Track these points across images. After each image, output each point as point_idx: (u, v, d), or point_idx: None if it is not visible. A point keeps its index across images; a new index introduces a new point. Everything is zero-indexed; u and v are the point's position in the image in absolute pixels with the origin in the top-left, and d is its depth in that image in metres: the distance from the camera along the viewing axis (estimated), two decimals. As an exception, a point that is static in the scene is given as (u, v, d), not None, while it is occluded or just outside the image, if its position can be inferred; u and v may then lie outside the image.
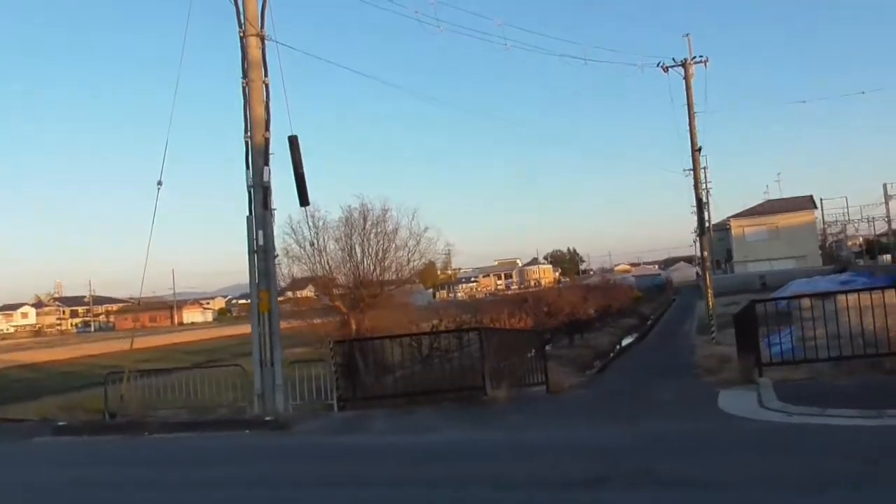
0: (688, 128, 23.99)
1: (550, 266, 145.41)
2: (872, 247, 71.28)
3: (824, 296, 12.72)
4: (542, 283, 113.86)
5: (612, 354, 28.80)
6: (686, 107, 23.41)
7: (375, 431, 10.20)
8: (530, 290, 42.95)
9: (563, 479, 6.05)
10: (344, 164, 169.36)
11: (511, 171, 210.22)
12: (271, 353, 12.15)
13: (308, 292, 22.44)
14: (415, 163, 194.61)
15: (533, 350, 16.27)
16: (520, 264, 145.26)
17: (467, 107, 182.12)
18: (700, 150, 23.88)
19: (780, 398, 8.80)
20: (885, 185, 58.57)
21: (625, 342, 33.50)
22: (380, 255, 18.82)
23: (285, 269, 18.02)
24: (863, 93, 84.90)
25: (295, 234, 18.60)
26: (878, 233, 70.39)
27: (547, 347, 19.91)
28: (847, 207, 69.74)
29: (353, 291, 18.60)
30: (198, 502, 6.65)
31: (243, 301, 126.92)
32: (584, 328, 32.14)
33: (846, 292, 12.51)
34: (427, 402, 11.98)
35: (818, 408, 7.93)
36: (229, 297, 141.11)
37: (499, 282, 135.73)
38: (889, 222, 61.51)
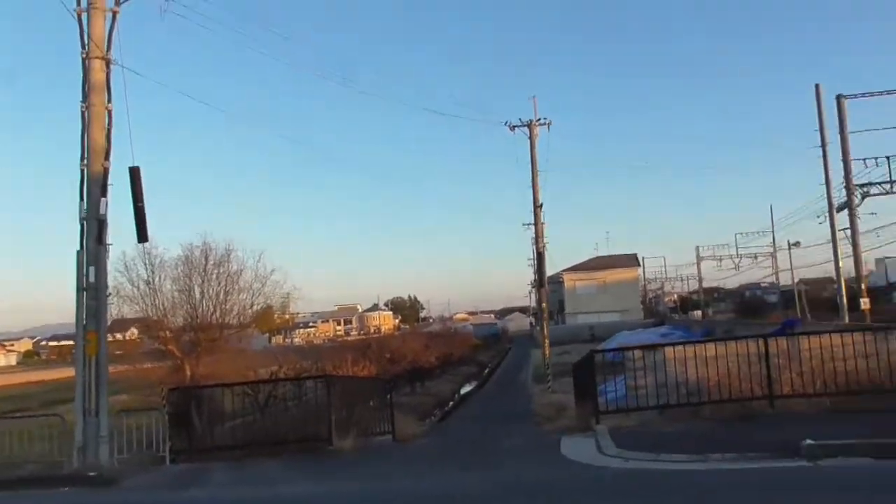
0: (530, 184, 25.42)
1: (391, 312, 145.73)
2: (686, 303, 78.98)
3: (653, 347, 13.74)
4: (383, 329, 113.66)
5: (453, 402, 29.19)
6: (530, 164, 24.84)
7: (213, 485, 9.56)
8: (372, 336, 42.70)
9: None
10: (187, 202, 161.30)
11: (354, 217, 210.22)
12: (97, 400, 11.11)
13: (132, 334, 20.93)
14: (256, 202, 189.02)
15: (378, 398, 16.12)
16: (360, 310, 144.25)
17: (318, 148, 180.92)
18: (541, 206, 25.29)
19: (617, 445, 9.35)
20: (697, 248, 65.35)
21: (465, 390, 34.12)
22: (221, 296, 18.04)
23: (114, 309, 16.77)
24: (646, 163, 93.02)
25: (128, 271, 17.42)
26: (690, 290, 78.15)
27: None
28: (665, 266, 76.97)
29: (190, 335, 17.60)
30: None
31: (54, 343, 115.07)
32: (425, 376, 32.37)
33: (672, 344, 13.59)
34: (269, 454, 11.46)
35: (651, 454, 8.52)
36: (37, 338, 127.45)
37: (338, 327, 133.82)
38: (700, 281, 68.59)
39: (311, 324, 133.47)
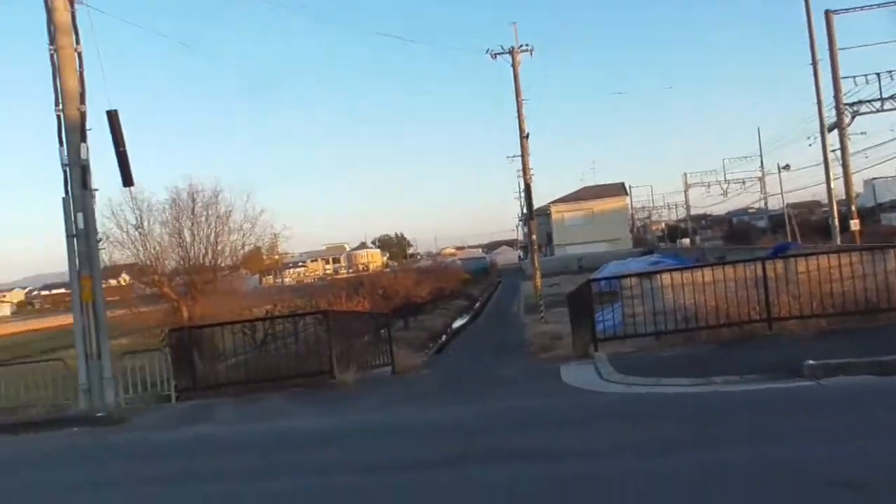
0: (516, 115, 25.02)
1: (379, 250, 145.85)
2: (673, 231, 79.36)
3: (648, 275, 13.82)
4: (371, 267, 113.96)
5: (447, 335, 29.53)
6: (514, 94, 24.36)
7: (221, 421, 9.65)
8: (364, 273, 42.86)
9: (424, 458, 6.08)
10: (171, 144, 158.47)
11: (340, 154, 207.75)
12: (98, 344, 11.10)
13: (123, 280, 20.82)
14: (237, 144, 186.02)
15: (375, 332, 16.24)
16: (348, 249, 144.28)
17: (300, 87, 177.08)
18: (528, 136, 24.97)
19: (618, 371, 9.46)
20: (685, 175, 65.30)
21: (458, 323, 34.47)
22: (212, 238, 17.89)
23: (105, 255, 16.58)
24: (670, 87, 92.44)
25: (116, 217, 17.19)
26: (677, 218, 78.48)
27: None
28: (652, 195, 77.06)
29: (184, 277, 17.51)
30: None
31: (46, 292, 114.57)
32: (418, 310, 32.66)
33: (668, 271, 13.65)
34: (271, 389, 11.57)
35: (653, 378, 8.63)
36: (29, 288, 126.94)
37: (327, 266, 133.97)
38: (688, 209, 68.79)
39: (300, 263, 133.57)
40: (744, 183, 60.39)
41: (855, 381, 7.61)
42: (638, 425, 6.45)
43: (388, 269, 65.84)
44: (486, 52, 24.63)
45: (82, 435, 9.53)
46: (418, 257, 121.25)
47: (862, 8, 26.80)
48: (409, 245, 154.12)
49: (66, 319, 19.02)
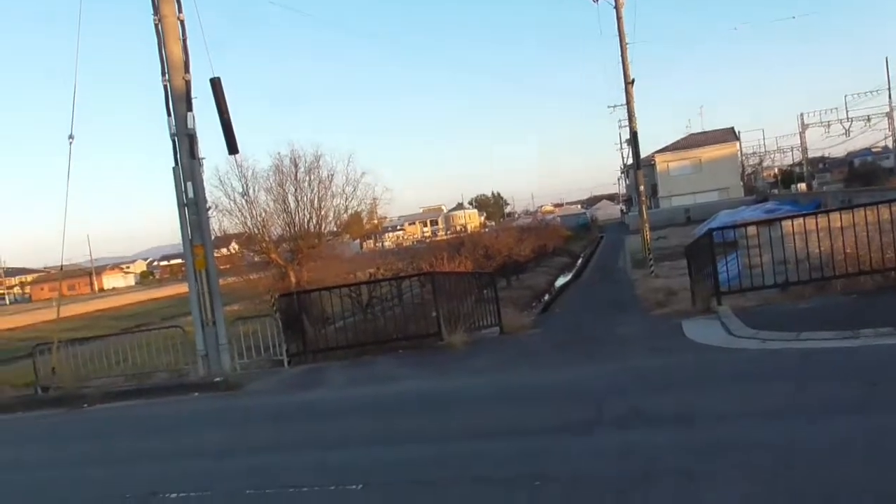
0: (619, 61, 23.73)
1: (476, 210, 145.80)
2: (788, 177, 74.48)
3: (769, 222, 12.82)
4: (469, 227, 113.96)
5: (552, 293, 28.98)
6: (618, 38, 23.08)
7: (335, 385, 9.66)
8: (463, 234, 42.70)
9: (551, 424, 5.71)
10: (270, 110, 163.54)
11: (432, 116, 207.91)
12: (212, 311, 11.42)
13: (233, 249, 21.47)
14: (338, 108, 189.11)
15: (479, 292, 15.98)
16: (445, 210, 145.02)
17: (399, 46, 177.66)
18: (633, 82, 23.68)
19: (748, 325, 8.73)
20: (800, 115, 60.89)
21: (562, 281, 33.82)
22: (315, 203, 18.03)
23: (215, 223, 17.08)
24: (793, 17, 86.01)
25: (223, 185, 17.58)
26: (791, 163, 73.54)
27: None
28: (763, 139, 72.38)
29: (290, 243, 17.81)
30: (171, 474, 5.97)
31: (165, 263, 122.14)
32: (520, 269, 32.20)
33: (791, 217, 12.60)
34: (379, 352, 11.57)
35: (791, 332, 7.86)
36: (150, 259, 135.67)
37: (424, 228, 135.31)
38: (804, 151, 64.22)
39: (398, 227, 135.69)
40: (868, 120, 55.69)
41: None
42: (787, 385, 5.78)
43: (486, 229, 65.65)
44: (589, -7, 23.44)
45: (203, 401, 9.79)
46: (516, 216, 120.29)
47: None
48: (507, 204, 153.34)
49: (183, 288, 19.88)
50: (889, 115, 53.84)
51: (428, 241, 73.89)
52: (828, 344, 7.04)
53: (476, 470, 4.79)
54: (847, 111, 55.90)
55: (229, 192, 17.60)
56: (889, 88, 52.37)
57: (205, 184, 12.11)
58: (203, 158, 11.80)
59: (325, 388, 9.59)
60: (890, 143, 58.86)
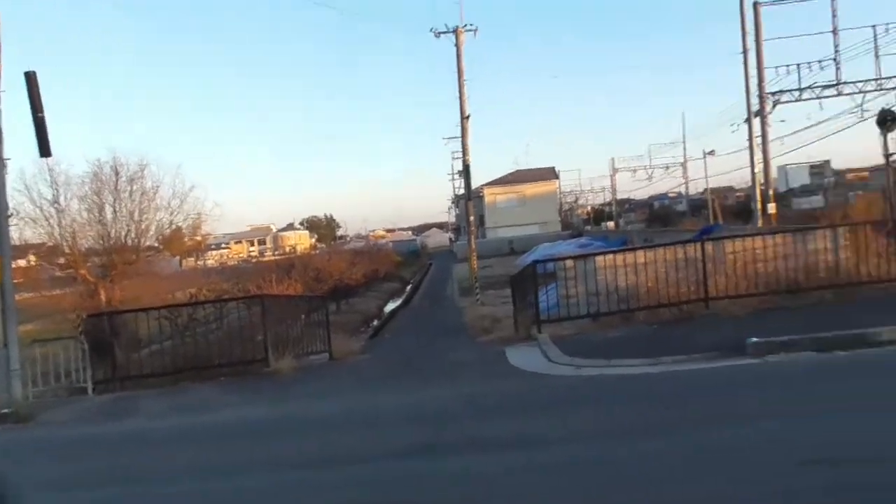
0: (456, 95, 24.64)
1: (307, 232, 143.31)
2: (599, 215, 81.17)
3: (584, 257, 13.83)
4: (299, 249, 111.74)
5: (383, 318, 29.11)
6: (457, 74, 23.97)
7: (149, 414, 8.95)
8: (294, 255, 41.78)
9: (384, 450, 5.68)
10: (90, 119, 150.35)
11: (264, 134, 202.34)
12: (5, 332, 10.20)
13: (30, 261, 19.49)
14: (161, 121, 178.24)
15: (310, 316, 15.69)
16: (274, 230, 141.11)
17: (233, 61, 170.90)
18: (468, 117, 24.65)
19: (565, 352, 9.34)
20: (612, 160, 66.73)
21: (392, 306, 34.10)
22: (136, 215, 16.82)
23: (15, 232, 15.38)
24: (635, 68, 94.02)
25: (29, 191, 15.92)
26: (602, 202, 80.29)
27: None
28: (580, 179, 78.42)
29: (104, 258, 16.43)
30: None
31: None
32: (351, 293, 32.09)
33: (603, 253, 13.69)
34: (200, 379, 10.96)
35: (602, 359, 8.52)
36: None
37: (252, 248, 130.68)
38: (614, 193, 70.49)
39: (222, 245, 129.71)
40: (667, 168, 62.16)
41: (798, 357, 7.72)
42: (601, 409, 6.25)
43: (317, 252, 64.75)
44: (430, 30, 24.19)
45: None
46: (347, 239, 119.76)
47: (787, 1, 27.71)
48: (339, 227, 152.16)
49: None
50: (683, 165, 60.52)
51: (255, 261, 71.38)
52: (634, 370, 7.72)
53: (308, 501, 4.66)
54: (650, 159, 62.22)
55: (35, 197, 15.98)
56: (684, 141, 58.99)
57: (7, 188, 10.95)
58: (7, 159, 10.69)
59: (135, 417, 8.86)
60: (684, 190, 66.07)
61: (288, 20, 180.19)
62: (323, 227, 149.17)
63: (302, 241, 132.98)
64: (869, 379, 6.41)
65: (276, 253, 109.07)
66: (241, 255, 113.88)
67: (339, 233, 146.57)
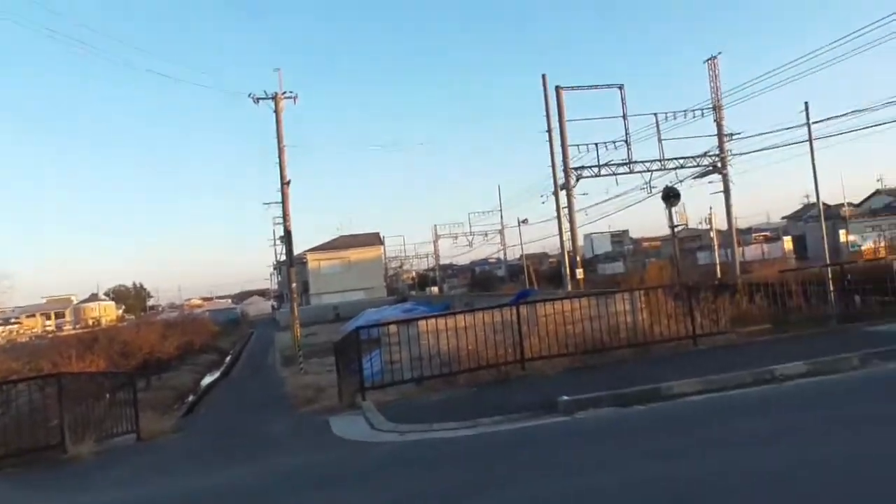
0: (277, 161, 24.46)
1: (113, 303, 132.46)
2: (423, 279, 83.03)
3: (408, 322, 14.08)
4: (104, 321, 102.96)
5: (198, 393, 27.34)
6: (276, 140, 23.85)
7: None
8: (97, 328, 38.35)
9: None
10: None
11: (64, 197, 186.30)
12: None
13: None
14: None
15: (114, 395, 14.45)
16: (75, 301, 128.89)
17: (33, 120, 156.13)
18: (289, 183, 24.49)
19: (388, 419, 9.37)
20: (434, 227, 68.99)
21: (210, 379, 32.15)
22: None
23: None
24: (421, 144, 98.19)
25: None
26: (427, 268, 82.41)
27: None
28: (404, 245, 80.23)
29: None
30: None
31: None
32: (164, 368, 29.95)
33: (426, 318, 14.01)
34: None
35: (424, 424, 8.65)
36: None
37: (48, 322, 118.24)
38: (437, 258, 72.66)
39: (11, 320, 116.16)
40: (486, 235, 65.45)
41: (602, 413, 8.36)
42: (423, 473, 6.30)
43: (124, 323, 59.98)
44: (249, 95, 23.97)
45: None
46: (160, 309, 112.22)
47: (583, 87, 30.94)
48: (150, 296, 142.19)
49: None
50: (501, 233, 64.14)
51: (52, 336, 64.54)
52: (455, 433, 7.92)
53: None
54: (471, 226, 65.29)
55: None
56: (501, 210, 62.90)
57: None
58: None
59: None
60: (502, 255, 69.81)
61: (94, 80, 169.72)
62: (131, 298, 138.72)
63: (107, 312, 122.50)
64: (660, 433, 7.01)
65: (78, 326, 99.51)
66: (34, 331, 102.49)
67: (151, 303, 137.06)
